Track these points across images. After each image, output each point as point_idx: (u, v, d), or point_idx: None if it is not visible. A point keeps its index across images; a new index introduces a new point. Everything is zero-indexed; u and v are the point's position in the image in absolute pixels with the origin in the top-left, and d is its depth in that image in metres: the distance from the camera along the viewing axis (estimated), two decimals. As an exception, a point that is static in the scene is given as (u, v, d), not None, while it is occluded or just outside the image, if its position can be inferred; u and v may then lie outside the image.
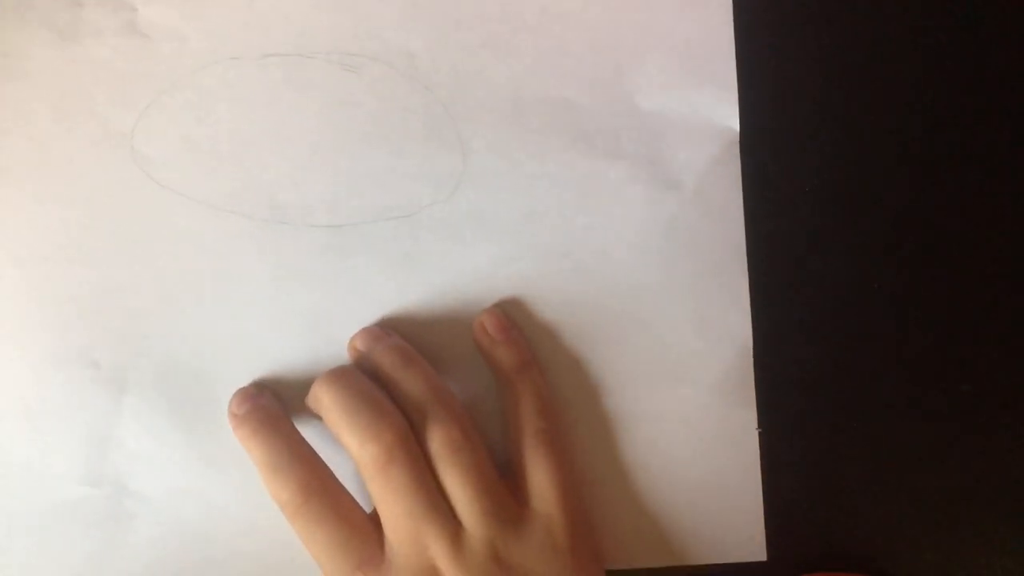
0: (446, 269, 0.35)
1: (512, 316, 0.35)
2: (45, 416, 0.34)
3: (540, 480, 0.32)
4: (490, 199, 0.35)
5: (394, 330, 0.34)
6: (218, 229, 0.34)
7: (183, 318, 0.34)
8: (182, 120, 0.34)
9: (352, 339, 0.34)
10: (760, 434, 0.35)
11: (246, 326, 0.34)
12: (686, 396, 0.35)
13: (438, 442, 0.31)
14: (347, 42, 0.34)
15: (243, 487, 0.34)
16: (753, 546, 0.35)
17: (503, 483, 0.32)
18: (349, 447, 0.31)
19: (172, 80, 0.34)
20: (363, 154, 0.34)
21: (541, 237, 0.35)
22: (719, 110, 0.35)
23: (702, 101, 0.35)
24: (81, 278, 0.34)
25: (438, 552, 0.31)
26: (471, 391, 0.35)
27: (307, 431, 0.33)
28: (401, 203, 0.35)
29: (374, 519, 0.32)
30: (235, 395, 0.33)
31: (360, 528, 0.32)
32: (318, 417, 0.33)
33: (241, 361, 0.34)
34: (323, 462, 0.32)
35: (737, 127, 0.35)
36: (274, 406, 0.33)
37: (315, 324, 0.34)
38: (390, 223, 0.34)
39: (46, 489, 0.34)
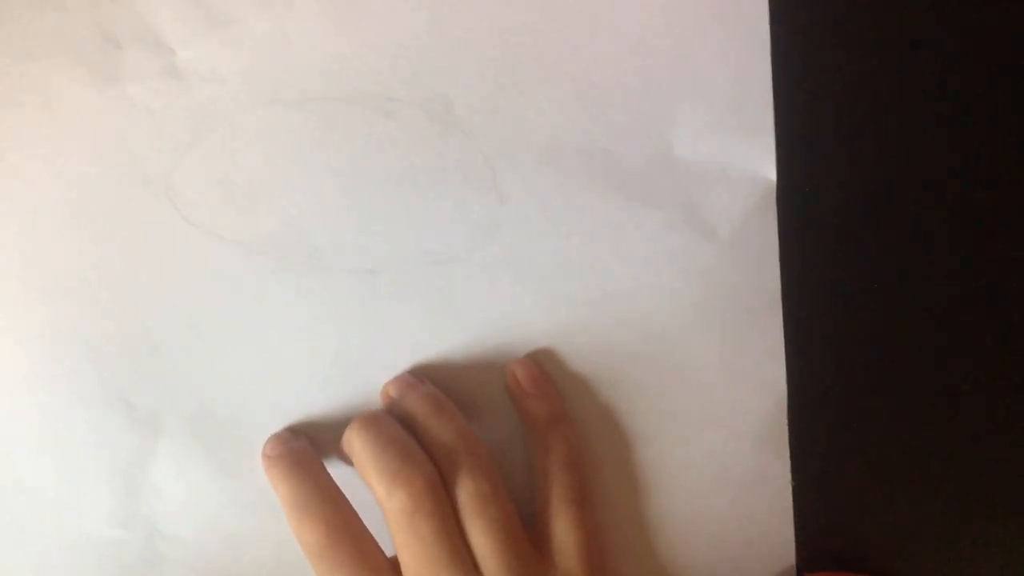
0: (481, 315, 0.34)
1: (545, 364, 0.34)
2: (79, 458, 0.34)
3: (565, 537, 0.32)
4: (526, 246, 0.35)
5: (427, 374, 0.34)
6: (253, 272, 0.34)
7: (218, 360, 0.34)
8: (219, 162, 0.34)
9: (386, 386, 0.34)
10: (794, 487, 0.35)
11: (280, 369, 0.34)
12: (720, 446, 0.35)
13: (466, 493, 0.31)
14: (384, 87, 0.34)
15: (275, 532, 0.34)
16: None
17: (527, 536, 0.32)
18: (377, 492, 0.31)
19: (210, 122, 0.34)
20: (400, 199, 0.34)
21: (576, 285, 0.35)
22: (756, 159, 0.35)
23: (739, 150, 0.35)
24: (117, 319, 0.34)
25: None
26: (501, 438, 0.35)
27: (339, 476, 0.33)
28: (437, 248, 0.34)
29: (396, 565, 0.32)
30: (269, 439, 0.34)
31: (381, 574, 0.32)
32: (351, 462, 0.33)
33: (275, 404, 0.34)
34: (350, 506, 0.32)
35: (774, 176, 0.35)
36: (307, 450, 0.33)
37: (349, 368, 0.34)
38: (426, 268, 0.34)
39: (78, 531, 0.34)
